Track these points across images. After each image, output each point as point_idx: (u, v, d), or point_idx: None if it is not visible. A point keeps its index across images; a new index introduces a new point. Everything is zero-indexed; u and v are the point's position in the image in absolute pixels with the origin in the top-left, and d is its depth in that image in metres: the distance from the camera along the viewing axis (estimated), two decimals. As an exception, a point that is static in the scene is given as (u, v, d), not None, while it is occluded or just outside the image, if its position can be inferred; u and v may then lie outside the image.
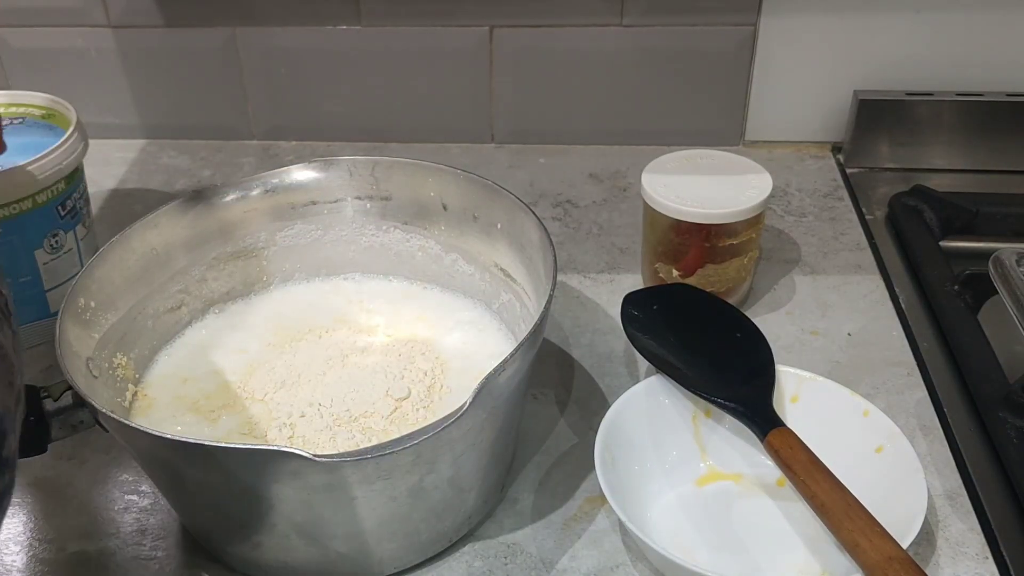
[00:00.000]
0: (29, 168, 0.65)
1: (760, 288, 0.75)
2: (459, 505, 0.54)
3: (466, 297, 0.68)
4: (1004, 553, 0.54)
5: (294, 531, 0.50)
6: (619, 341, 0.69)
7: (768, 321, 0.71)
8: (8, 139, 0.63)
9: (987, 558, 0.54)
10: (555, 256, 0.56)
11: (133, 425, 0.48)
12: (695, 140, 0.89)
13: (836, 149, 0.93)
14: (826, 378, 0.60)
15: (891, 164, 0.89)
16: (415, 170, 0.67)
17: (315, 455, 0.45)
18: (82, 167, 0.71)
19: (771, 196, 0.68)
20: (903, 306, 0.73)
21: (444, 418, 0.47)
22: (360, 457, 0.46)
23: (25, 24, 0.92)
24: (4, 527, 0.58)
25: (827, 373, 0.61)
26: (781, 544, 0.55)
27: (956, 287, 0.71)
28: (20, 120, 0.73)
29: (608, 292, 0.75)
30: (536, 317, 0.53)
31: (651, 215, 0.70)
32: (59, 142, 0.68)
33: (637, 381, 0.61)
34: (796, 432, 0.56)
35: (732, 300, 0.70)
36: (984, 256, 0.66)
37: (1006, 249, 0.65)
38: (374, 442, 0.54)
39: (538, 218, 0.60)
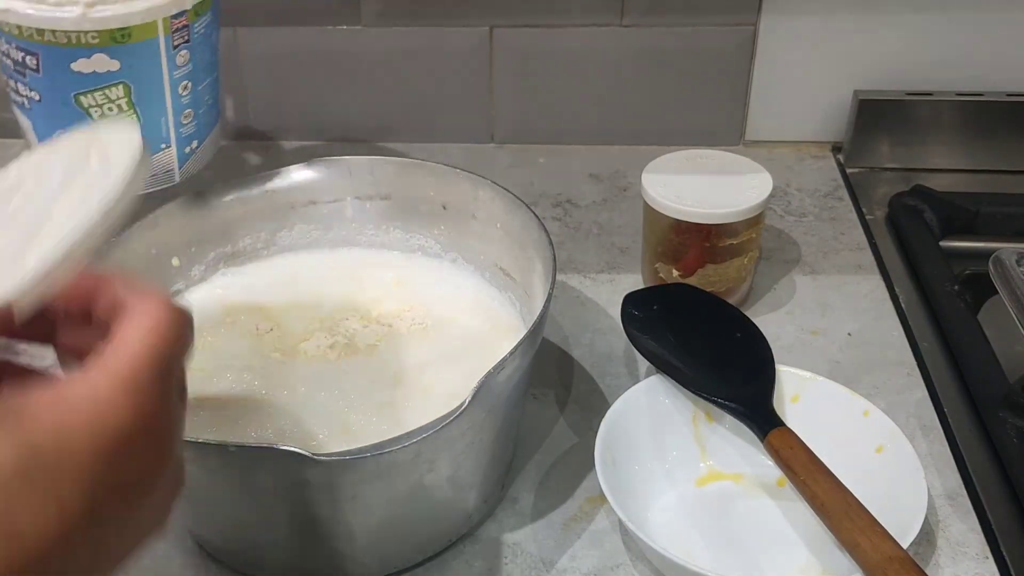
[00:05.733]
0: None
1: (760, 288, 0.75)
2: (459, 504, 0.54)
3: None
4: (1004, 553, 0.54)
5: (294, 531, 0.50)
6: (619, 341, 0.69)
7: (768, 321, 0.71)
8: None
9: (987, 558, 0.54)
10: (555, 256, 0.56)
11: (133, 425, 0.48)
12: (695, 140, 0.89)
13: (836, 149, 0.92)
14: (826, 378, 0.60)
15: (891, 164, 0.89)
16: (415, 170, 0.67)
17: (314, 454, 0.45)
18: None
19: (771, 196, 0.68)
20: (903, 306, 0.73)
21: (443, 416, 0.47)
22: (359, 456, 0.46)
23: (25, 24, 0.92)
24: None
25: (827, 373, 0.61)
26: (781, 544, 0.55)
27: (956, 287, 0.71)
28: None
29: (608, 292, 0.75)
30: (536, 317, 0.53)
31: (651, 215, 0.70)
32: None
33: (637, 381, 0.61)
34: (796, 432, 0.56)
35: (732, 300, 0.70)
36: (984, 256, 0.66)
37: (1006, 249, 0.65)
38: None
39: (538, 218, 0.60)
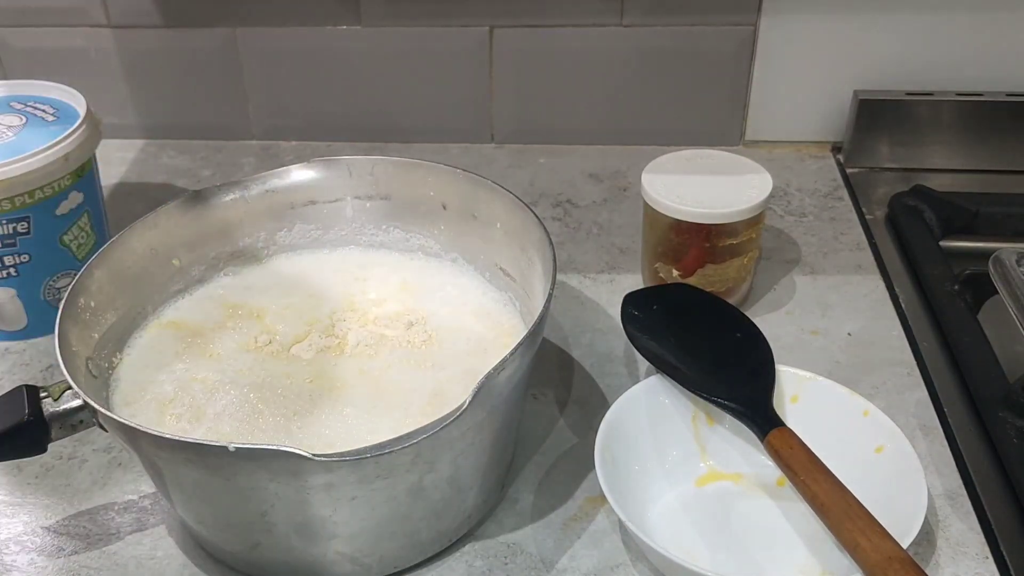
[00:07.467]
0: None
1: (760, 288, 0.75)
2: (459, 505, 0.54)
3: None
4: (1004, 553, 0.54)
5: (294, 531, 0.50)
6: (619, 341, 0.69)
7: (768, 321, 0.71)
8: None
9: (987, 558, 0.54)
10: (555, 256, 0.56)
11: (133, 425, 0.48)
12: (695, 140, 0.90)
13: (836, 149, 0.93)
14: (826, 378, 0.59)
15: (891, 164, 0.89)
16: (415, 170, 0.67)
17: (315, 454, 0.45)
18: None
19: (771, 196, 0.68)
20: (903, 306, 0.73)
21: (443, 417, 0.47)
22: (359, 456, 0.46)
23: (25, 24, 0.92)
24: (4, 527, 0.58)
25: (827, 373, 0.61)
26: (781, 544, 0.55)
27: (956, 287, 0.71)
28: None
29: (608, 292, 0.75)
30: (536, 317, 0.53)
31: (651, 215, 0.70)
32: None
33: (637, 381, 0.61)
34: (796, 432, 0.56)
35: (732, 300, 0.70)
36: (984, 256, 0.66)
37: (1006, 249, 0.65)
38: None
39: (538, 218, 0.60)
